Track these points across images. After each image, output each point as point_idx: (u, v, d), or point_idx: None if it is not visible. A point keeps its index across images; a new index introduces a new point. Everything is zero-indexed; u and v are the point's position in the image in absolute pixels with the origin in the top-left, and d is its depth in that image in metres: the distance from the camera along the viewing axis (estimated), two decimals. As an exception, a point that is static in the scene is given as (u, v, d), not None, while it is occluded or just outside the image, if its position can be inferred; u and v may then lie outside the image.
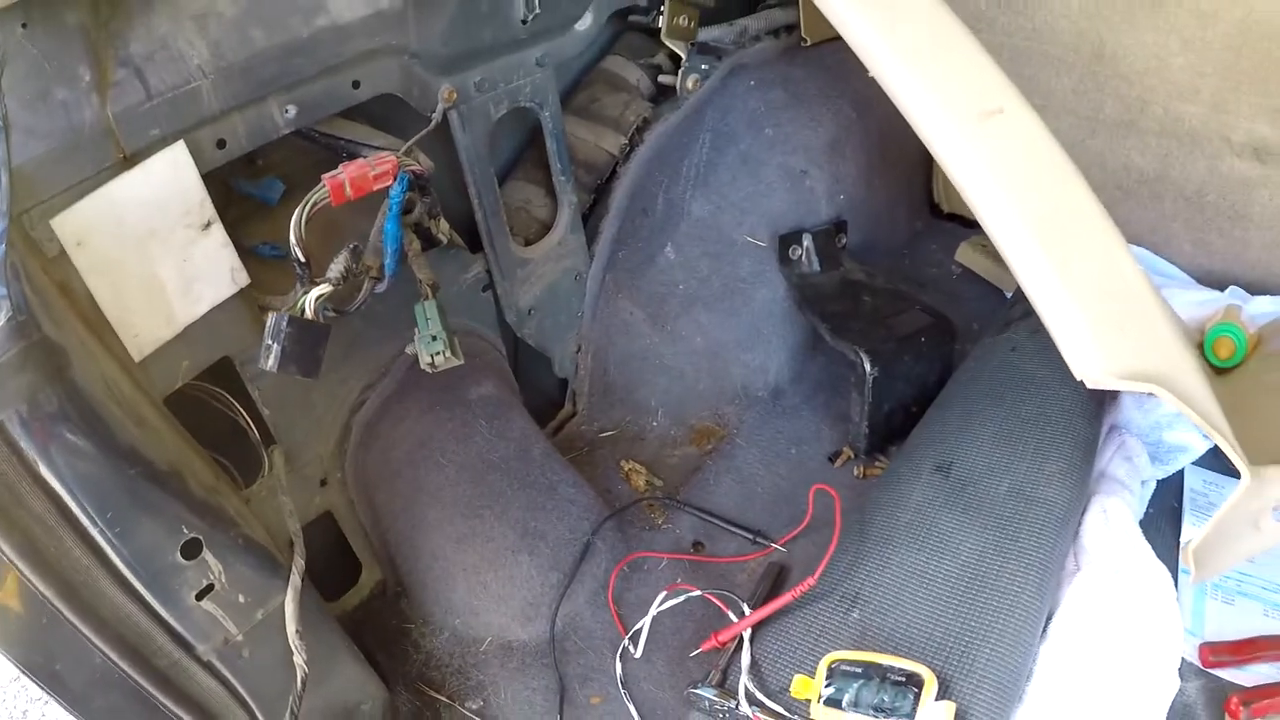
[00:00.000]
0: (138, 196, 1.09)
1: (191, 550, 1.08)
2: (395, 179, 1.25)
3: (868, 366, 1.68)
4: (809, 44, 2.09)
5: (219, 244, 1.20)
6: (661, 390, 1.94)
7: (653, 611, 1.48)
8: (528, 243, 1.76)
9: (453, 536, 1.52)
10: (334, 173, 1.18)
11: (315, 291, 1.18)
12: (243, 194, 1.46)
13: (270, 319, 1.15)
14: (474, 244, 1.63)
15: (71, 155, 1.03)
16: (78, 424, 0.95)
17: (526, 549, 1.52)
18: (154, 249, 1.13)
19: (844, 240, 1.99)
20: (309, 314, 1.18)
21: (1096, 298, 1.13)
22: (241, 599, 1.14)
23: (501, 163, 1.78)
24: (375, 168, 1.22)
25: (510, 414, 1.66)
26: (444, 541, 1.52)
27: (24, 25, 0.97)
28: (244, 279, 1.25)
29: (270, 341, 1.15)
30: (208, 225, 1.17)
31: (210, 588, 1.10)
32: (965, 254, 2.23)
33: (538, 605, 1.51)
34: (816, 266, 1.91)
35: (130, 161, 1.08)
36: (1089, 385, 1.11)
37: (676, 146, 1.95)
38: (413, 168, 1.28)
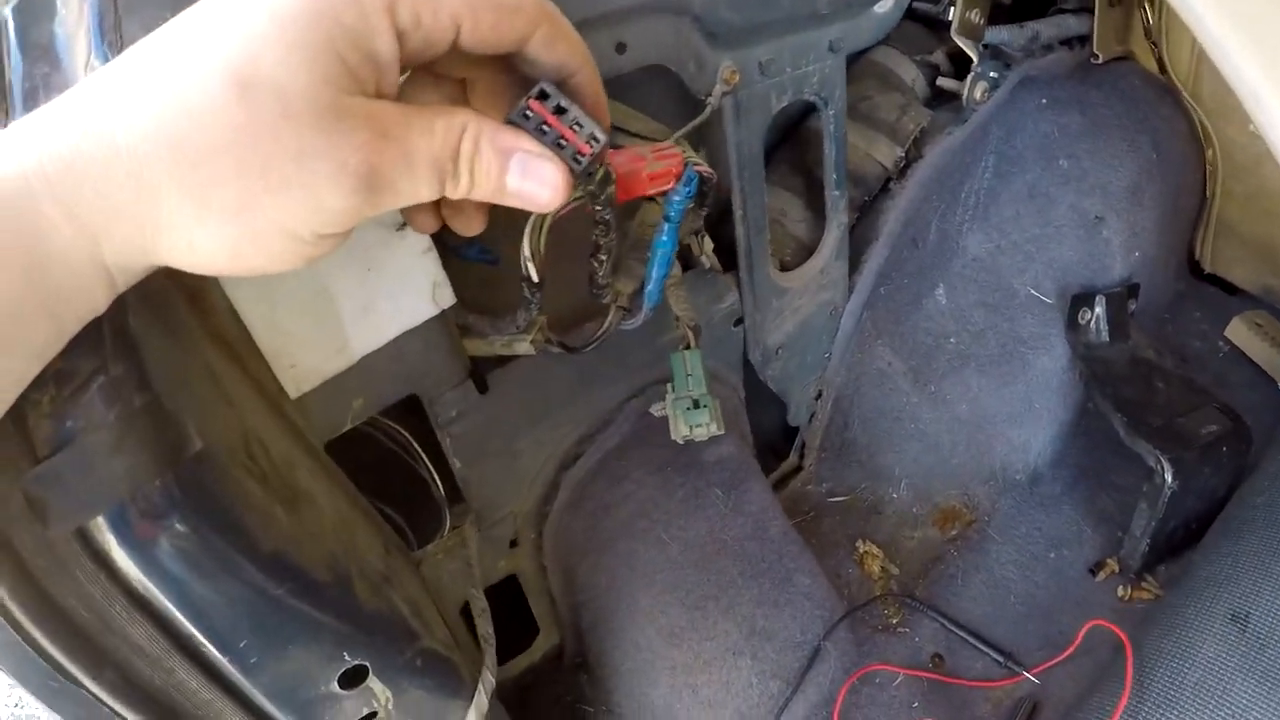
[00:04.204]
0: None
1: (354, 679, 0.73)
2: (680, 181, 0.85)
3: (1168, 478, 1.29)
4: (1100, 60, 1.69)
5: (419, 250, 0.82)
6: (910, 459, 1.55)
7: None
8: (783, 266, 1.37)
9: (665, 629, 1.15)
10: None
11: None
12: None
13: None
14: (726, 264, 1.26)
15: None
16: (201, 529, 0.59)
17: (750, 650, 1.16)
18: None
19: (1133, 306, 1.57)
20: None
21: None
22: (409, 727, 0.80)
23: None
24: (653, 163, 0.81)
25: (749, 481, 1.28)
26: (654, 633, 1.15)
27: None
28: (448, 298, 0.87)
29: None
30: (404, 223, 0.79)
31: (372, 716, 0.76)
32: (1238, 332, 1.79)
33: (750, 718, 1.15)
34: (1105, 336, 1.49)
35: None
36: None
37: (957, 167, 1.53)
38: (701, 168, 0.86)
